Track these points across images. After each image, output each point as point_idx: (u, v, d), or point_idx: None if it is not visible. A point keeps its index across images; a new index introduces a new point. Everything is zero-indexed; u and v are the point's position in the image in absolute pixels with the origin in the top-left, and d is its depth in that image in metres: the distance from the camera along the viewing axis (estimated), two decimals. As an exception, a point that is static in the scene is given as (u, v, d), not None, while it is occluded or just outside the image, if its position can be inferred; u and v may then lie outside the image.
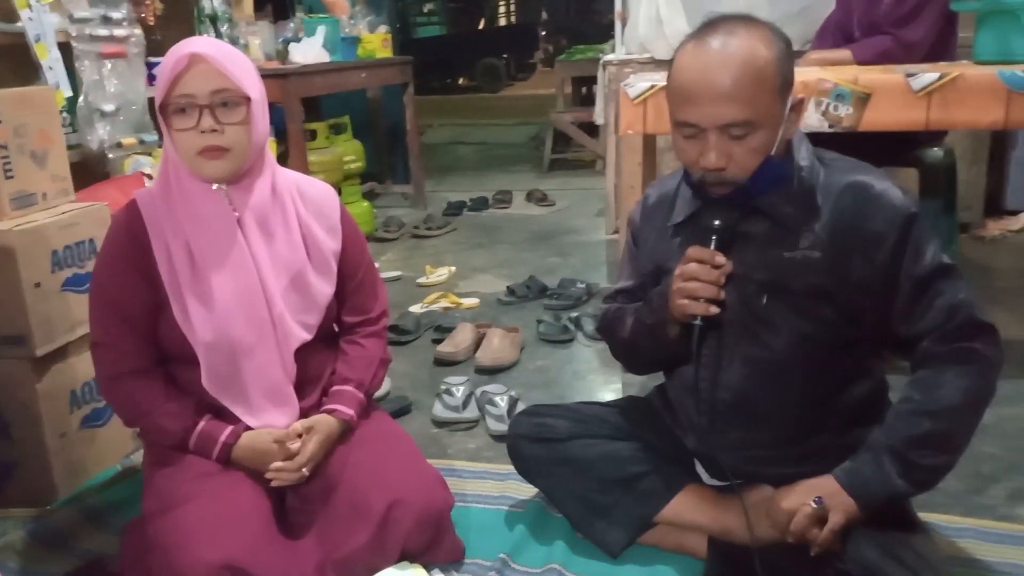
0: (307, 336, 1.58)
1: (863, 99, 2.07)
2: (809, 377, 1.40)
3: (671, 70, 1.36)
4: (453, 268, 3.75)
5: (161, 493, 1.48)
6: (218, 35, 3.31)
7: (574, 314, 2.99)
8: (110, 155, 2.60)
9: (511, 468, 1.74)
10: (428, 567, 1.55)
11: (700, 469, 1.60)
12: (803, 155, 1.39)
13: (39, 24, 2.38)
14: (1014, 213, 3.95)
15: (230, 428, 1.53)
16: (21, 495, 1.89)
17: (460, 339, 2.74)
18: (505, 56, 15.72)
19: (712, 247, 1.37)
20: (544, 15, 19.35)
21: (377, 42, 4.68)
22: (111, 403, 1.61)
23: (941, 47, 2.56)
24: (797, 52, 1.40)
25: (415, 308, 3.22)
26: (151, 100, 2.46)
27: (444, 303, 3.27)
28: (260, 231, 1.52)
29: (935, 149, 2.52)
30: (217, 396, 1.52)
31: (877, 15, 2.60)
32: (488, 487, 1.90)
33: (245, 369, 1.52)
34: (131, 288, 1.49)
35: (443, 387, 2.33)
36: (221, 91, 1.41)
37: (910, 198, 1.35)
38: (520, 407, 2.15)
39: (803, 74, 2.04)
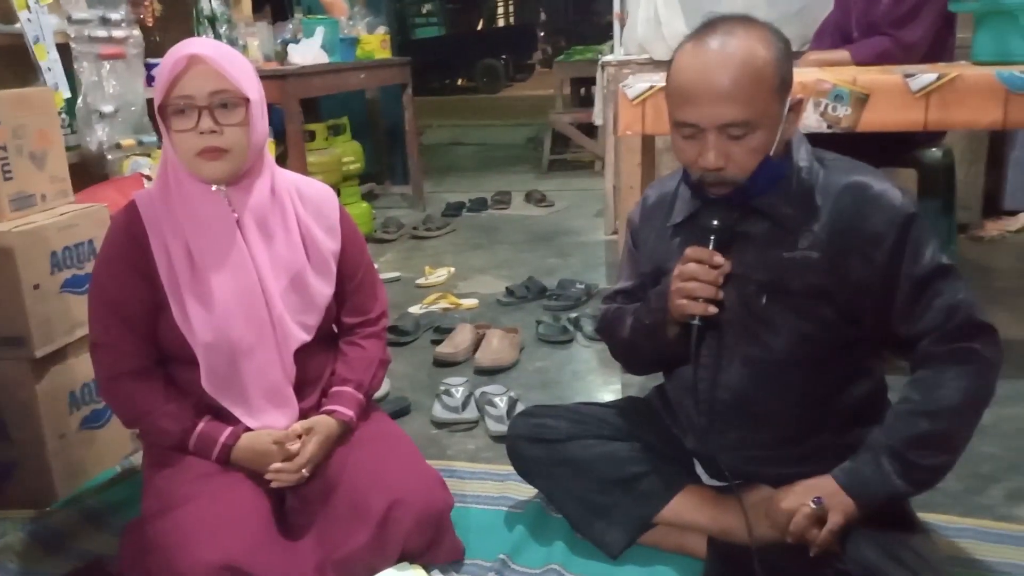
0: (306, 337, 1.58)
1: (861, 100, 2.07)
2: (808, 377, 1.40)
3: (670, 70, 1.36)
4: (452, 269, 3.75)
5: (161, 494, 1.48)
6: (217, 36, 3.31)
7: (573, 315, 2.99)
8: (109, 156, 2.59)
9: (510, 469, 1.74)
10: (428, 568, 1.55)
11: (699, 469, 1.60)
12: (802, 155, 1.39)
13: (38, 25, 2.38)
14: (1012, 213, 3.95)
15: (229, 429, 1.53)
16: (20, 496, 1.89)
17: (459, 340, 2.74)
18: (504, 57, 15.72)
19: (711, 247, 1.38)
20: (543, 16, 19.37)
21: (376, 43, 4.68)
22: (110, 404, 1.61)
23: (939, 48, 2.57)
24: (795, 53, 1.40)
25: (414, 309, 3.22)
26: (150, 101, 2.47)
27: (443, 304, 3.27)
28: (259, 232, 1.52)
29: (933, 150, 2.52)
30: (216, 397, 1.52)
31: (875, 16, 2.60)
32: (487, 488, 1.90)
33: (244, 370, 1.52)
34: (130, 289, 1.49)
35: (442, 388, 2.33)
36: (220, 92, 1.41)
37: (909, 198, 1.35)
38: (519, 408, 2.15)
39: (801, 75, 2.04)
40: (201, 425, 1.52)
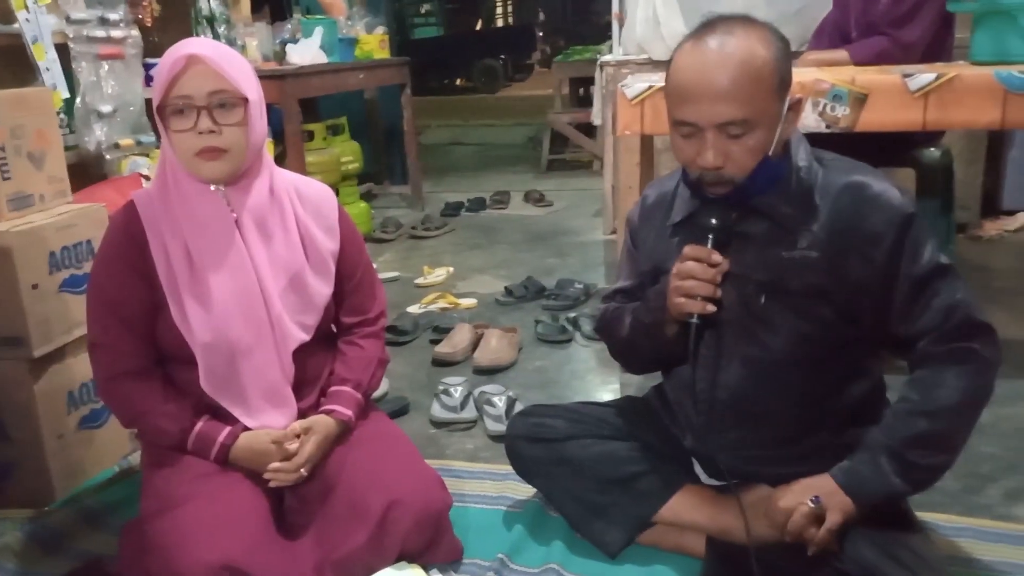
0: (305, 337, 1.58)
1: (860, 99, 2.07)
2: (807, 377, 1.40)
3: (669, 69, 1.36)
4: (451, 269, 3.75)
5: (159, 494, 1.48)
6: (215, 36, 3.31)
7: (572, 314, 3.00)
8: (107, 156, 2.59)
9: (509, 468, 1.74)
10: (426, 567, 1.55)
11: (698, 469, 1.60)
12: (801, 155, 1.39)
13: (36, 25, 2.38)
14: (1011, 213, 3.95)
15: (228, 429, 1.53)
16: (19, 496, 1.89)
17: (458, 339, 2.74)
18: (503, 57, 15.73)
19: (709, 246, 1.38)
20: (541, 16, 19.38)
21: (374, 43, 4.68)
22: (109, 404, 1.61)
23: (938, 48, 2.57)
24: (794, 53, 1.40)
25: (413, 309, 3.22)
26: (148, 101, 2.47)
27: (442, 304, 3.27)
28: (258, 232, 1.52)
29: (932, 149, 2.52)
30: (215, 397, 1.52)
31: (874, 16, 2.60)
32: (486, 487, 1.90)
33: (243, 370, 1.52)
34: (129, 288, 1.49)
35: (441, 387, 2.33)
36: (219, 92, 1.41)
37: (908, 198, 1.36)
38: (518, 407, 2.15)
39: (800, 75, 2.04)
40: (199, 425, 1.52)
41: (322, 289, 1.60)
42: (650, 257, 1.55)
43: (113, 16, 2.64)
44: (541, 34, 18.30)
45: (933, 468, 1.34)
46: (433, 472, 1.61)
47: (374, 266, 1.78)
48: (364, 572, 1.49)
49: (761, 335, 1.40)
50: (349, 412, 1.61)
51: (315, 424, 1.56)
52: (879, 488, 1.32)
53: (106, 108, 2.60)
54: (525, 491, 1.82)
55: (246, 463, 1.53)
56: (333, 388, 1.64)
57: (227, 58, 1.44)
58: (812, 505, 1.30)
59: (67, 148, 2.29)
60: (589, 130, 5.67)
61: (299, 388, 1.60)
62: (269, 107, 1.59)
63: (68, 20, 2.49)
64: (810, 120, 2.10)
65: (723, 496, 1.52)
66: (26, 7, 2.34)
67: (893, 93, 2.06)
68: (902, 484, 1.32)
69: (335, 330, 1.72)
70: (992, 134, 3.79)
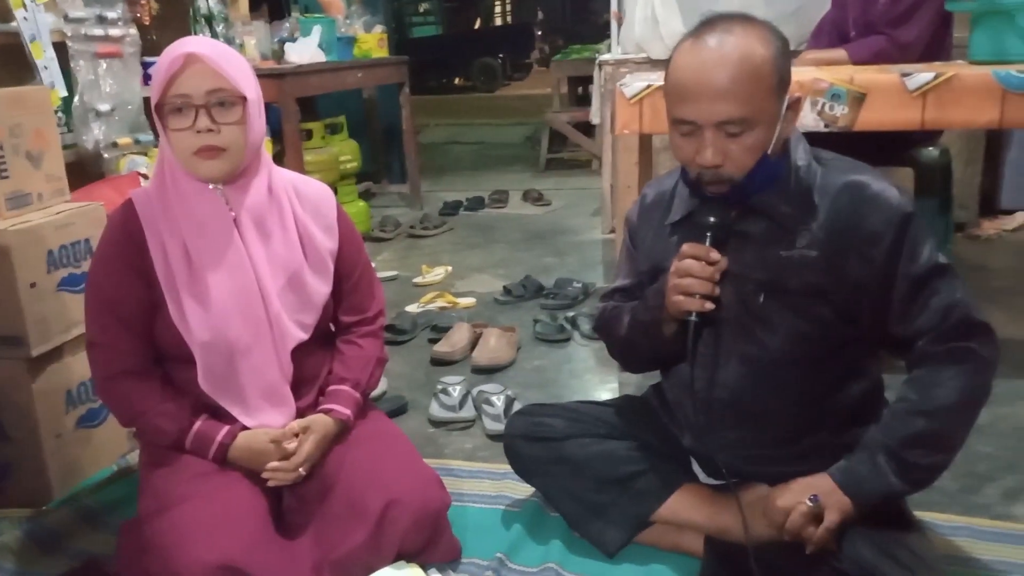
0: (304, 336, 1.57)
1: (859, 99, 2.07)
2: (806, 376, 1.41)
3: (668, 68, 1.36)
4: (449, 268, 3.75)
5: (158, 493, 1.47)
6: (214, 35, 3.30)
7: (570, 314, 3.00)
8: (105, 155, 2.59)
9: (508, 467, 1.74)
10: (425, 567, 1.55)
11: (696, 468, 1.61)
12: (800, 154, 1.39)
13: (34, 24, 2.37)
14: (1009, 212, 3.96)
15: (226, 428, 1.52)
16: (17, 495, 1.89)
17: (456, 339, 2.74)
18: (501, 56, 15.71)
19: (707, 244, 1.38)
20: (540, 15, 19.35)
21: (373, 42, 4.68)
22: (107, 403, 1.61)
23: (936, 47, 2.57)
24: (793, 52, 1.40)
25: (411, 308, 3.22)
26: (147, 100, 2.47)
27: (440, 303, 3.27)
28: (257, 231, 1.52)
29: (930, 149, 2.52)
30: (213, 396, 1.52)
31: (872, 15, 2.61)
32: (485, 486, 1.90)
33: (242, 369, 1.52)
34: (127, 287, 1.49)
35: (439, 387, 2.33)
36: (217, 91, 1.41)
37: (907, 198, 1.36)
38: (516, 407, 2.15)
39: (799, 74, 2.04)
40: (198, 424, 1.52)
41: (321, 288, 1.60)
42: (649, 256, 1.55)
43: (111, 14, 2.63)
44: (540, 33, 18.30)
45: (931, 467, 1.34)
46: (431, 471, 1.60)
47: (372, 265, 1.78)
48: (363, 571, 1.49)
49: (759, 334, 1.40)
50: (347, 411, 1.60)
51: (313, 423, 1.56)
52: (877, 487, 1.32)
53: (104, 107, 2.59)
54: (524, 490, 1.82)
55: (244, 462, 1.52)
56: (331, 387, 1.63)
57: (226, 57, 1.44)
58: (810, 504, 1.31)
59: (65, 147, 2.29)
60: (588, 129, 5.67)
61: (297, 387, 1.60)
62: (267, 106, 1.58)
63: (66, 18, 2.49)
64: (808, 119, 2.10)
65: (721, 495, 1.52)
66: (24, 5, 2.34)
67: (891, 92, 2.06)
68: (900, 483, 1.32)
69: (333, 329, 1.72)
70: (990, 133, 3.79)
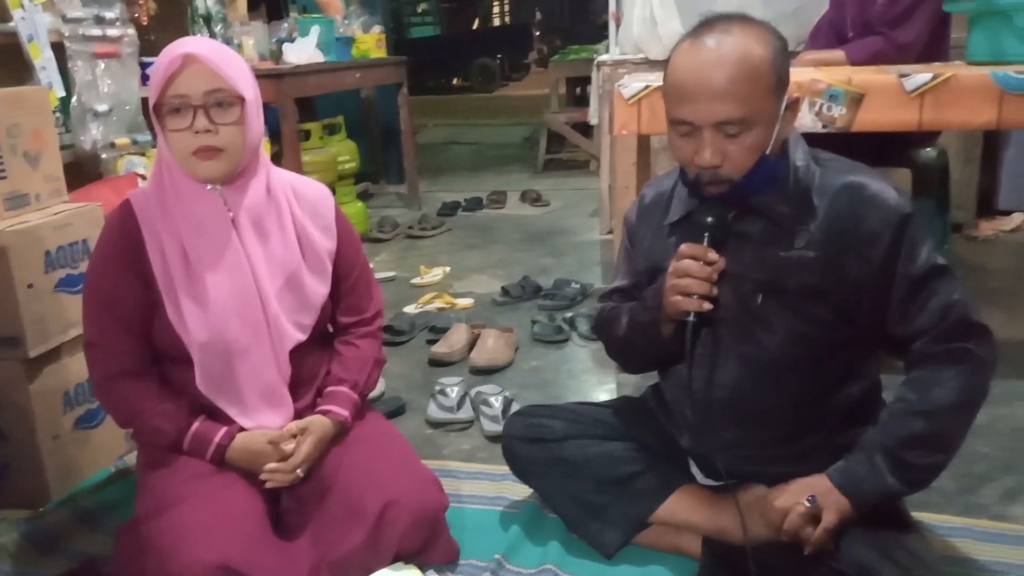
0: (302, 337, 1.57)
1: (856, 100, 2.07)
2: (804, 376, 1.41)
3: (667, 68, 1.36)
4: (447, 268, 3.75)
5: (155, 494, 1.47)
6: (212, 35, 3.30)
7: (568, 314, 3.00)
8: (103, 155, 2.59)
9: (506, 469, 1.74)
10: (423, 568, 1.55)
11: (694, 469, 1.60)
12: (799, 155, 1.39)
13: (32, 24, 2.37)
14: (1007, 213, 3.96)
15: (224, 429, 1.52)
16: (14, 496, 1.89)
17: (454, 340, 2.74)
18: (499, 56, 15.73)
19: (705, 244, 1.38)
20: (538, 15, 19.37)
21: (371, 42, 4.68)
22: (105, 404, 1.61)
23: (934, 48, 2.57)
24: (791, 53, 1.40)
25: (409, 308, 3.22)
26: (145, 100, 2.47)
27: (438, 303, 3.27)
28: (255, 231, 1.52)
29: (928, 149, 2.53)
30: (211, 397, 1.52)
31: (870, 16, 2.61)
32: (483, 488, 1.90)
33: (239, 370, 1.51)
34: (125, 288, 1.49)
35: (437, 388, 2.33)
36: (215, 91, 1.41)
37: (905, 199, 1.36)
38: (515, 408, 2.15)
39: (797, 74, 2.04)
40: (196, 425, 1.52)
41: (319, 289, 1.60)
42: (647, 256, 1.55)
43: (109, 15, 2.63)
44: (538, 33, 18.32)
45: (929, 468, 1.34)
46: (429, 472, 1.60)
47: (371, 266, 1.78)
48: (361, 573, 1.48)
49: (758, 334, 1.41)
50: (345, 412, 1.60)
51: (311, 424, 1.56)
52: (875, 488, 1.32)
53: (102, 107, 2.59)
54: (522, 491, 1.82)
55: (242, 464, 1.52)
56: (329, 388, 1.63)
57: (224, 57, 1.43)
58: (808, 505, 1.31)
59: (63, 147, 2.29)
60: (586, 130, 5.68)
61: (295, 388, 1.59)
62: (265, 106, 1.58)
63: (64, 19, 2.48)
64: (806, 120, 2.10)
65: (720, 496, 1.52)
66: (22, 5, 2.34)
67: (889, 93, 2.06)
68: (898, 484, 1.32)
69: (332, 330, 1.72)
70: (988, 134, 3.80)
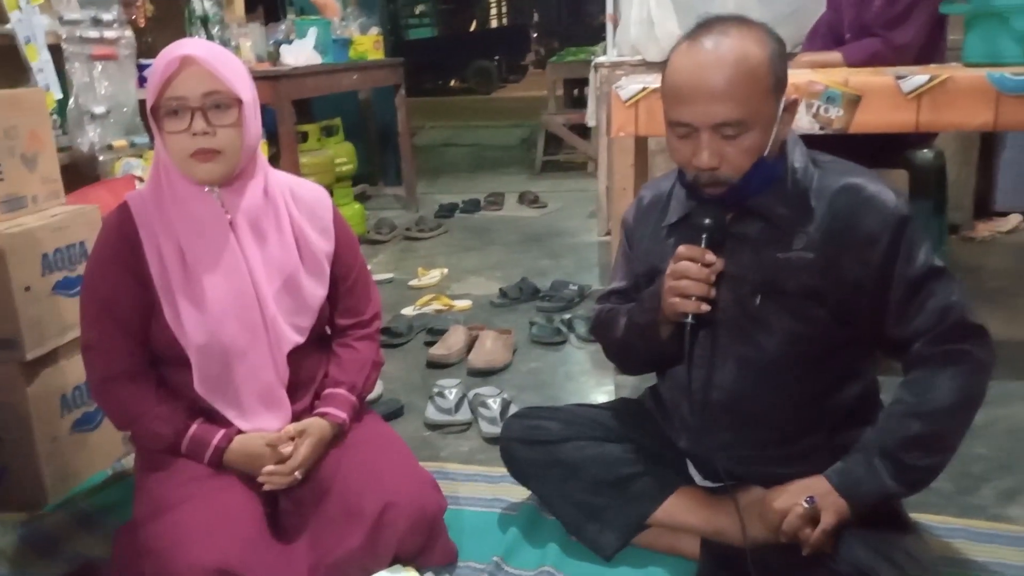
0: (299, 339, 1.57)
1: (854, 101, 2.08)
2: (802, 378, 1.41)
3: (665, 70, 1.36)
4: (445, 270, 3.75)
5: (153, 497, 1.47)
6: (209, 37, 3.30)
7: (566, 316, 3.00)
8: (100, 157, 2.59)
9: (504, 471, 1.74)
10: (421, 570, 1.55)
11: (692, 470, 1.60)
12: (797, 157, 1.39)
13: (29, 26, 2.37)
14: (1003, 214, 3.97)
15: (222, 431, 1.52)
16: (11, 499, 1.88)
17: (452, 341, 2.74)
18: (497, 58, 15.74)
19: (703, 245, 1.38)
20: (535, 17, 19.38)
21: (368, 44, 4.68)
22: (102, 406, 1.61)
23: (931, 49, 2.58)
24: (788, 54, 1.41)
25: (407, 310, 3.22)
26: (142, 102, 2.46)
27: (436, 305, 3.27)
28: (252, 233, 1.51)
29: (925, 151, 2.53)
30: (209, 399, 1.52)
31: (867, 17, 2.61)
32: (481, 490, 1.90)
33: (237, 372, 1.51)
34: (123, 290, 1.49)
35: (435, 390, 2.32)
36: (213, 93, 1.41)
37: (903, 200, 1.36)
38: (513, 409, 2.15)
39: (794, 76, 2.04)
40: (194, 428, 1.51)
41: (316, 291, 1.59)
42: (645, 258, 1.55)
43: (106, 16, 2.63)
44: (535, 35, 18.33)
45: (927, 469, 1.34)
46: (427, 474, 1.60)
47: (368, 268, 1.78)
48: (359, 575, 1.48)
49: (756, 336, 1.41)
50: (343, 415, 1.60)
51: (309, 427, 1.56)
52: (873, 489, 1.32)
53: (99, 109, 2.59)
54: (520, 493, 1.82)
55: (240, 466, 1.52)
56: (327, 391, 1.63)
57: (221, 59, 1.43)
58: (806, 506, 1.31)
59: (60, 149, 2.28)
60: (583, 131, 5.67)
61: (293, 390, 1.59)
62: (263, 108, 1.58)
63: (61, 20, 2.48)
64: (804, 121, 2.10)
65: (718, 498, 1.52)
66: (19, 7, 2.34)
67: (886, 95, 2.07)
68: (896, 485, 1.32)
69: (329, 332, 1.71)
70: (985, 136, 3.80)
